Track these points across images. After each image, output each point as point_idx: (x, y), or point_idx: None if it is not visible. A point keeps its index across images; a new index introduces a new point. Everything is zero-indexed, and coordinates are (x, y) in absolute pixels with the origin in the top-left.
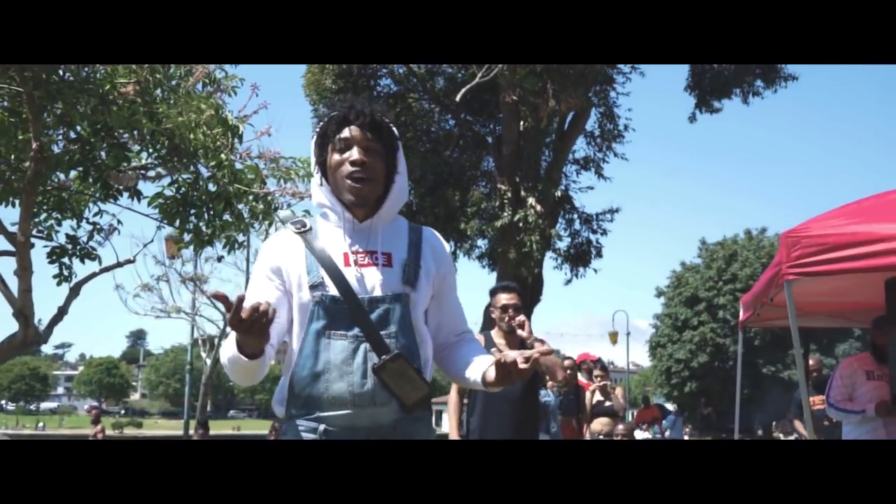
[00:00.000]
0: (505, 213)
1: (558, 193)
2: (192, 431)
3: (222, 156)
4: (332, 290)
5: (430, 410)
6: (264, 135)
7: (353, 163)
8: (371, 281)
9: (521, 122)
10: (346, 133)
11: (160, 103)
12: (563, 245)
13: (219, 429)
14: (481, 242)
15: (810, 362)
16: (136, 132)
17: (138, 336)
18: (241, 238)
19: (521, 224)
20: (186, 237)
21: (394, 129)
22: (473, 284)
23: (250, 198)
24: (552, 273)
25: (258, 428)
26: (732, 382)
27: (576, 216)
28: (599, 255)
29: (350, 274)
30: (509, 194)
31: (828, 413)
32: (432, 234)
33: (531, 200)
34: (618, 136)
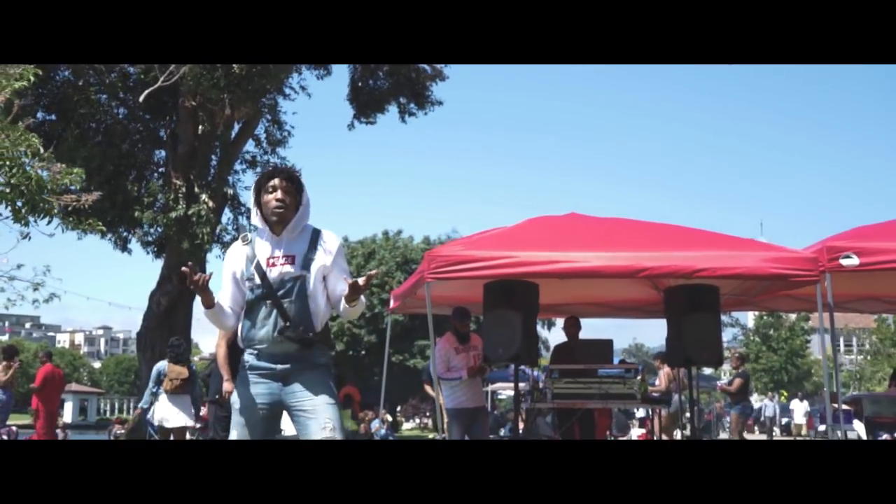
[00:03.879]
0: (179, 206)
1: (229, 191)
2: None
3: (28, 169)
4: (258, 281)
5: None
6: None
7: (277, 199)
8: (281, 273)
9: (199, 126)
10: (273, 182)
11: None
12: (229, 238)
13: None
14: (154, 231)
15: None
16: None
17: None
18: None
19: (194, 218)
20: None
21: (301, 179)
22: (142, 269)
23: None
24: (217, 262)
25: None
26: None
27: (242, 211)
28: None
29: (270, 270)
30: (184, 189)
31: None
32: (323, 234)
33: (204, 196)
34: (281, 142)
